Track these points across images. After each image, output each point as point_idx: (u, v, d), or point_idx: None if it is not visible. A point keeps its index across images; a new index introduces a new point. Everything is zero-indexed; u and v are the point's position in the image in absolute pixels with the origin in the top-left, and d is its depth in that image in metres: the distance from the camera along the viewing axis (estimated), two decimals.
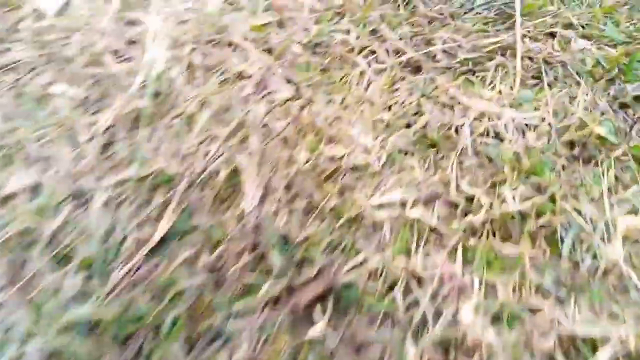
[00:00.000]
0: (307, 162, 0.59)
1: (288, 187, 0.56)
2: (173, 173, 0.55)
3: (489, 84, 0.72)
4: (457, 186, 0.58)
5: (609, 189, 0.59)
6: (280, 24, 0.79)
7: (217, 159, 0.57)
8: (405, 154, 0.62)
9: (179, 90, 0.65)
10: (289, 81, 0.70)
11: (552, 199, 0.57)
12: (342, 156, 0.61)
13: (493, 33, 0.80)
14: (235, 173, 0.56)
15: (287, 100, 0.67)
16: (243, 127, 0.62)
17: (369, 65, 0.73)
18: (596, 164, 0.62)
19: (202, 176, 0.55)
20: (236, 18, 0.78)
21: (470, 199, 0.57)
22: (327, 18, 0.80)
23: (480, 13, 0.83)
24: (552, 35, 0.80)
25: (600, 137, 0.64)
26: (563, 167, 0.61)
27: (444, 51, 0.77)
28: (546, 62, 0.76)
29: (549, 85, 0.72)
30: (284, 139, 0.62)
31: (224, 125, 0.62)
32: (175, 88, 0.65)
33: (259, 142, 0.60)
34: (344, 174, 0.59)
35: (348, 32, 0.78)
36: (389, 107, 0.68)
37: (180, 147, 0.58)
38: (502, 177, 0.59)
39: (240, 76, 0.69)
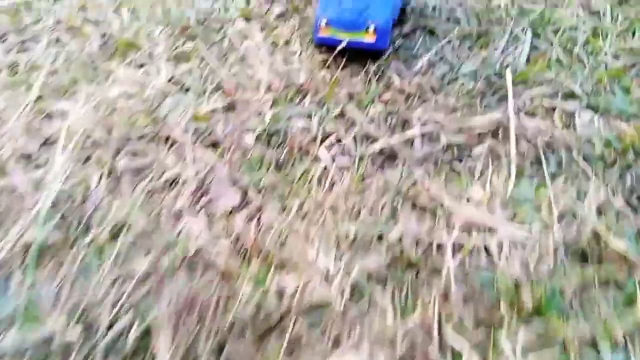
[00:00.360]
0: (248, 301, 0.47)
1: (218, 350, 0.43)
2: (65, 340, 0.42)
3: (479, 177, 0.60)
4: (440, 337, 0.44)
5: (637, 329, 0.46)
6: (231, 108, 0.67)
7: (127, 311, 0.44)
8: (377, 281, 0.50)
9: (95, 208, 0.53)
10: (235, 183, 0.58)
11: (564, 347, 0.44)
12: (295, 291, 0.48)
13: (481, 109, 0.68)
14: (148, 332, 0.43)
15: (232, 210, 0.55)
16: (168, 257, 0.49)
17: (333, 160, 0.61)
18: (617, 287, 0.49)
19: (105, 340, 0.42)
20: (179, 102, 0.67)
21: (458, 354, 0.44)
22: (286, 98, 0.68)
23: (465, 84, 0.71)
24: (553, 108, 0.68)
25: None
26: (575, 295, 0.48)
27: (424, 134, 0.65)
28: (547, 145, 0.63)
29: (552, 176, 0.60)
30: (221, 269, 0.49)
31: (145, 253, 0.50)
32: (90, 205, 0.53)
33: (186, 282, 0.47)
34: (295, 321, 0.46)
35: (310, 116, 0.66)
36: (358, 213, 0.56)
37: (84, 295, 0.46)
38: (497, 315, 0.46)
39: (175, 182, 0.57)
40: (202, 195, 0.56)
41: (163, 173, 0.57)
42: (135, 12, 0.82)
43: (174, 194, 0.56)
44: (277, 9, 0.85)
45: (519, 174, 0.60)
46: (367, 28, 0.69)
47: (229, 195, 0.56)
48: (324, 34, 0.70)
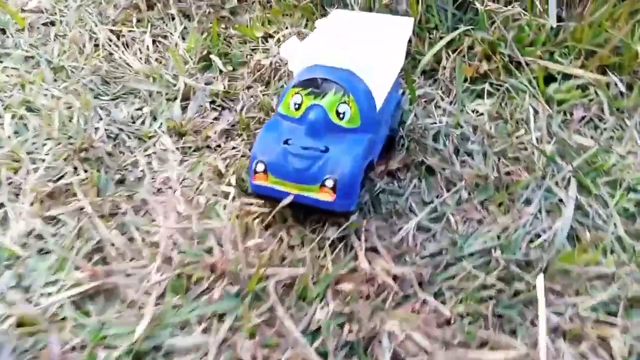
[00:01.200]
0: None
1: None
2: None
3: None
4: None
5: None
6: (94, 297, 0.43)
7: None
8: None
9: None
10: None
11: None
12: None
13: (495, 328, 0.42)
14: None
15: None
16: None
17: None
18: None
19: None
20: (21, 280, 0.43)
21: None
22: (188, 282, 0.44)
23: (472, 273, 0.46)
24: (611, 334, 0.42)
25: None
26: None
27: None
28: None
29: None
30: None
31: None
32: None
33: None
34: None
35: (216, 318, 0.41)
36: None
37: None
38: None
39: None
40: None
41: None
42: (25, 120, 0.60)
43: None
44: (223, 122, 0.63)
45: None
46: (324, 182, 0.45)
47: None
48: (261, 181, 0.47)
